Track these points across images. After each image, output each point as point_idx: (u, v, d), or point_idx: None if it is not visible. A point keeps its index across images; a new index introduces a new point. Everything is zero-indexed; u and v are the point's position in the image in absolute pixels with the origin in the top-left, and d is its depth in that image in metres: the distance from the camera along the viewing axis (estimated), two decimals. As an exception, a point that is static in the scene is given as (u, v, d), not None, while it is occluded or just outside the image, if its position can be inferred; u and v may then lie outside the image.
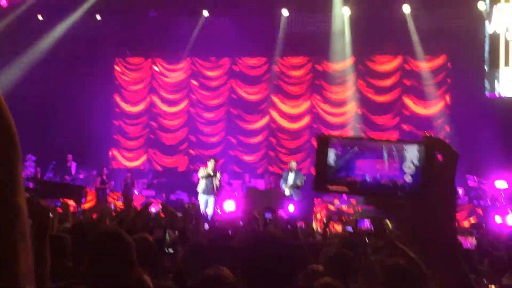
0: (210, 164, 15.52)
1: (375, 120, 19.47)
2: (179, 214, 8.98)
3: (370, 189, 1.22)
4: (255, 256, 4.04)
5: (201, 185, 15.50)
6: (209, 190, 15.41)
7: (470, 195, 16.64)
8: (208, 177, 15.34)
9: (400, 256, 4.66)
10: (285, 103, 20.29)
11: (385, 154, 1.21)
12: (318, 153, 1.24)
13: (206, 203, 15.37)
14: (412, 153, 1.21)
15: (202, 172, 15.53)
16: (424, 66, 18.95)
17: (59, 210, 8.65)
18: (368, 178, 1.22)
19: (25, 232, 0.66)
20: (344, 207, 16.92)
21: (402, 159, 1.21)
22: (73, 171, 18.66)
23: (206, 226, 10.61)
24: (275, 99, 20.28)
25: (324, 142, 1.24)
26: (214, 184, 15.37)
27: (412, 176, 1.20)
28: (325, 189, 1.24)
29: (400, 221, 1.25)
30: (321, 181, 1.23)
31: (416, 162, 1.20)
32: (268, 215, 10.72)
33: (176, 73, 20.98)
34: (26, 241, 0.66)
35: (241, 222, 11.12)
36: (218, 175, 15.48)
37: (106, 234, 3.37)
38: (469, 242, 8.12)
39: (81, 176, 18.86)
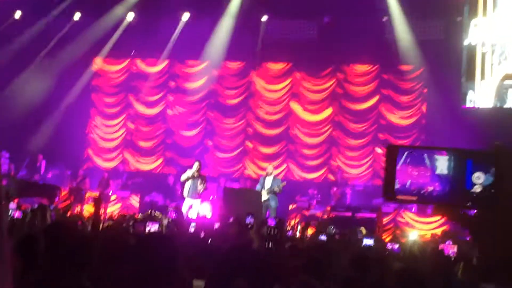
0: (195, 166, 15.43)
1: (351, 128, 19.54)
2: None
3: (438, 199, 1.23)
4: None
5: (185, 189, 15.37)
6: (192, 194, 15.25)
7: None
8: (191, 179, 15.20)
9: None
10: (263, 108, 20.27)
11: (427, 162, 1.23)
12: (387, 163, 1.25)
13: (190, 207, 15.16)
14: (442, 162, 1.23)
15: (184, 175, 15.44)
16: (400, 76, 19.08)
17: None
18: (408, 185, 1.24)
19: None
20: (318, 213, 16.93)
21: (433, 168, 1.23)
22: (42, 170, 18.53)
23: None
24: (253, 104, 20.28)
25: (394, 152, 1.25)
26: (198, 188, 15.25)
27: (482, 186, 1.21)
28: (394, 199, 1.26)
29: (474, 233, 1.26)
30: (390, 190, 1.25)
31: (445, 171, 1.22)
32: (249, 220, 10.71)
33: (155, 75, 20.84)
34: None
35: (216, 226, 11.12)
36: (201, 179, 15.32)
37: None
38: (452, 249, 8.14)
39: (49, 176, 18.69)
